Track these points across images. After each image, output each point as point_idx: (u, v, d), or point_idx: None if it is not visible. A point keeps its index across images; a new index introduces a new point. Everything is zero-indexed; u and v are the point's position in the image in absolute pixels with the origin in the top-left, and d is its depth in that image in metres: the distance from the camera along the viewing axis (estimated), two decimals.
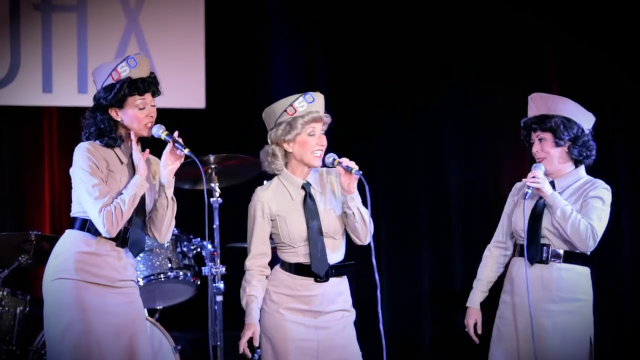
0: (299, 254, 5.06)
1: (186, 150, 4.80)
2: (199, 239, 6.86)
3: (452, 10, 8.31)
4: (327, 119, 5.10)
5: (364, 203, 5.04)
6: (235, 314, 7.01)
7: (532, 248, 5.31)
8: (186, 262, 6.84)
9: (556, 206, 5.27)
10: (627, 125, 8.12)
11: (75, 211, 4.83)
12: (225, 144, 7.56)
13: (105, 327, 4.71)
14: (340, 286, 5.12)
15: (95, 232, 4.77)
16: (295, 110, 5.04)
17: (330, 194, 5.14)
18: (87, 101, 5.42)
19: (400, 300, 8.29)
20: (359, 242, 5.12)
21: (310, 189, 5.10)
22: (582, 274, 5.36)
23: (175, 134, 4.83)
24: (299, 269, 5.06)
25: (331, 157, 5.06)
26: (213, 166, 6.72)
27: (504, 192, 6.05)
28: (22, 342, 6.57)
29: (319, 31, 8.47)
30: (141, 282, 6.61)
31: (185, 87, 8.27)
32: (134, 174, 4.82)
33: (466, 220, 8.30)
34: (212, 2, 8.39)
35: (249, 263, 5.11)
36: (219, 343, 6.33)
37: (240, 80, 8.46)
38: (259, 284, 5.07)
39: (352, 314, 5.15)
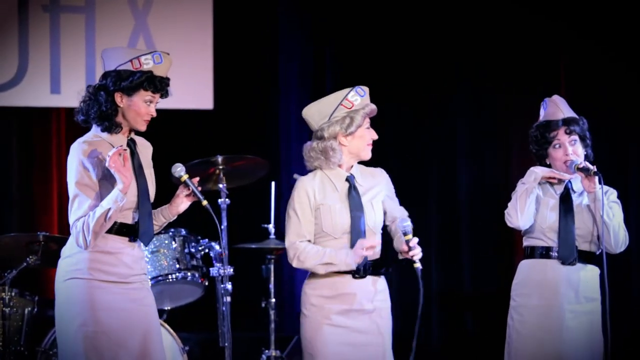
0: (338, 247, 4.99)
1: (204, 202, 4.83)
2: (206, 239, 6.86)
3: (462, 9, 8.30)
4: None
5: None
6: (242, 315, 7.02)
7: (566, 249, 5.26)
8: (194, 263, 6.84)
9: (602, 203, 5.21)
10: (638, 123, 8.10)
11: None
12: (233, 145, 7.55)
13: (118, 325, 4.69)
14: (376, 284, 5.06)
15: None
16: (352, 104, 5.05)
17: (371, 189, 5.11)
18: None
19: (408, 301, 8.26)
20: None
21: (355, 182, 5.08)
22: (596, 273, 5.35)
23: (195, 180, 4.84)
24: None
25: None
26: (221, 167, 6.71)
27: None
28: (30, 343, 6.57)
29: (327, 31, 8.46)
30: (149, 283, 6.60)
31: (193, 87, 8.27)
32: (132, 166, 4.76)
33: (475, 220, 8.28)
34: (220, 2, 8.39)
35: (294, 238, 5.00)
36: (227, 344, 6.31)
37: (248, 81, 8.46)
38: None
39: (389, 314, 5.11)
